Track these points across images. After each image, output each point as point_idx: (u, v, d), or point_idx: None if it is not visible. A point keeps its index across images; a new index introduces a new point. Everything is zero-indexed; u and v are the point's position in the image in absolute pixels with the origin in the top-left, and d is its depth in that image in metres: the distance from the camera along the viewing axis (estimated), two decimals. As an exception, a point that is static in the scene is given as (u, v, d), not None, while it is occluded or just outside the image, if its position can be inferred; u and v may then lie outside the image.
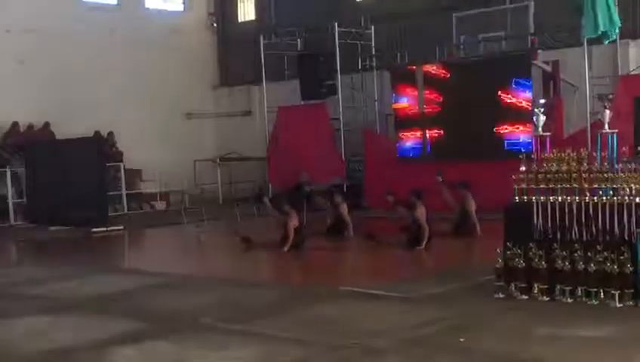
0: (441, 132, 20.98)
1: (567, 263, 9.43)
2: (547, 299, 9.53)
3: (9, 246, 19.38)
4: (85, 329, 9.47)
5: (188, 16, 29.99)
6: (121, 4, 27.98)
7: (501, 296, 9.82)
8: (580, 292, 9.37)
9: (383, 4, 24.91)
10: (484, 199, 15.84)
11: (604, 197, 9.47)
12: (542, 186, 9.94)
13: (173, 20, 29.09)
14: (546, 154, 10.21)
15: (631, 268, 9.09)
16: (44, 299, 11.48)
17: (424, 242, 14.45)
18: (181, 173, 25.91)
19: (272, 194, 20.72)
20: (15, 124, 24.63)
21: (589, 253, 9.33)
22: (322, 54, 23.59)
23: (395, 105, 22.16)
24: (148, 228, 21.11)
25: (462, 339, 8.13)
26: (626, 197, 9.36)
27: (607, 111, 10.28)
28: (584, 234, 9.50)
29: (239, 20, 30.04)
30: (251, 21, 29.30)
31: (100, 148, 22.58)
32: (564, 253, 9.49)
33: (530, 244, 9.74)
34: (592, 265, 9.26)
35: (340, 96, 23.06)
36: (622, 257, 9.13)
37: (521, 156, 10.32)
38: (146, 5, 28.86)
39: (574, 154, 9.94)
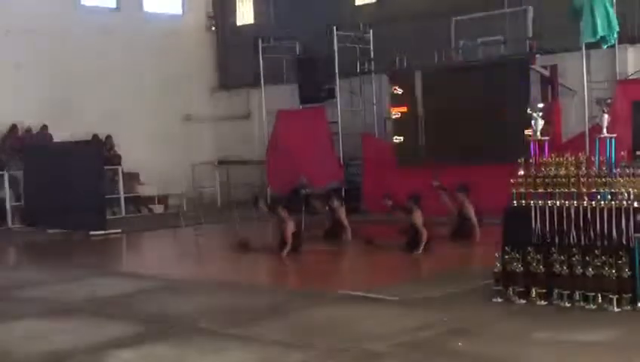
0: (440, 136, 20.98)
1: (565, 267, 9.45)
2: (545, 303, 9.55)
3: (7, 249, 19.37)
4: (84, 332, 9.47)
5: (187, 19, 29.97)
6: (120, 6, 27.96)
7: (499, 300, 9.83)
8: (577, 296, 9.38)
9: (382, 8, 24.92)
10: (483, 203, 15.84)
11: (603, 202, 9.48)
12: (540, 191, 9.95)
13: (172, 23, 29.07)
14: (544, 159, 10.22)
15: (629, 273, 9.11)
16: (42, 301, 11.48)
17: (422, 246, 14.46)
18: (179, 177, 25.91)
19: (270, 198, 20.74)
20: (13, 127, 24.62)
21: (587, 258, 9.35)
22: (321, 58, 23.58)
23: (393, 109, 22.18)
24: (146, 231, 21.10)
25: (460, 344, 8.14)
26: (624, 202, 9.37)
27: (606, 116, 10.31)
28: (582, 238, 9.51)
29: (238, 24, 30.03)
30: (250, 24, 29.29)
31: (98, 152, 22.55)
32: (562, 257, 9.50)
33: (529, 248, 9.76)
34: (590, 269, 9.27)
35: (338, 99, 23.07)
36: (620, 261, 9.15)
37: (519, 160, 10.34)
38: (145, 8, 28.85)
39: (573, 158, 9.95)
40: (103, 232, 19.69)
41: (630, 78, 19.15)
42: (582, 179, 9.70)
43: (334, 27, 22.77)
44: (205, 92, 29.93)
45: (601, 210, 9.42)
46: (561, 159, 9.98)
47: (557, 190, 9.82)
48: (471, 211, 15.96)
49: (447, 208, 16.60)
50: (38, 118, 24.56)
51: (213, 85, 30.26)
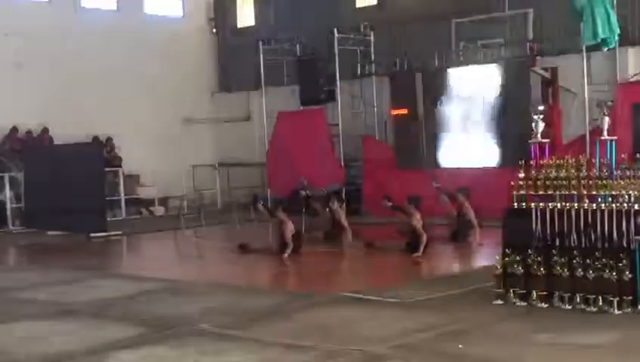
0: (440, 138, 21.01)
1: (565, 270, 9.44)
2: (545, 305, 9.55)
3: (7, 250, 19.37)
4: (84, 334, 9.47)
5: (187, 21, 29.98)
6: (121, 9, 27.97)
7: (499, 302, 9.83)
8: (578, 299, 9.38)
9: (382, 10, 24.93)
10: (483, 205, 15.85)
11: (603, 204, 9.47)
12: (541, 193, 9.95)
13: (173, 26, 29.08)
14: (544, 161, 10.22)
15: (629, 275, 9.10)
16: (43, 303, 11.49)
17: (422, 248, 14.45)
18: (180, 178, 25.89)
19: (270, 200, 20.72)
20: (14, 129, 24.64)
21: (587, 260, 9.34)
22: (321, 60, 23.59)
23: (393, 112, 22.19)
24: (146, 233, 21.09)
25: (460, 346, 8.14)
26: (625, 204, 9.36)
27: (606, 118, 10.30)
28: (583, 240, 9.51)
29: (238, 26, 30.04)
30: (250, 27, 29.29)
31: (99, 153, 22.55)
32: (562, 259, 9.50)
33: (529, 251, 9.75)
34: (590, 271, 9.27)
35: (339, 101, 23.06)
36: (620, 264, 9.14)
37: (520, 162, 10.34)
38: (145, 10, 28.86)
39: (573, 160, 9.95)
40: (103, 234, 19.69)
41: (631, 80, 19.15)
42: (582, 181, 9.70)
43: (335, 29, 22.77)
44: (206, 94, 29.93)
45: (602, 212, 9.42)
46: (562, 161, 9.99)
47: (557, 192, 9.82)
48: (471, 212, 15.96)
49: (446, 209, 16.61)
50: (38, 119, 24.57)
51: (214, 87, 30.27)
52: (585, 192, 9.65)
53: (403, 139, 21.94)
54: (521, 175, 10.12)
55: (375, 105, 23.46)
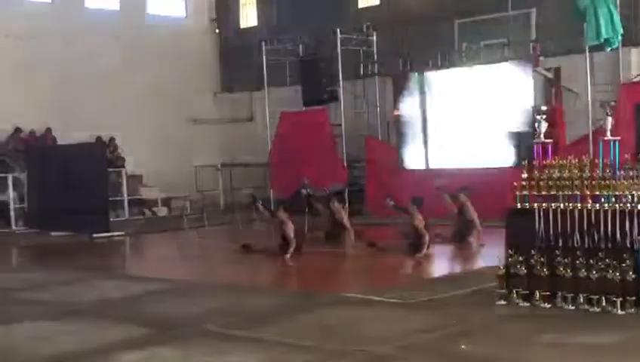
0: (443, 138, 21.00)
1: (568, 270, 9.43)
2: (549, 306, 9.54)
3: (11, 251, 19.39)
4: (88, 335, 9.47)
5: (190, 22, 30.02)
6: (124, 10, 28.01)
7: (502, 302, 9.82)
8: (581, 299, 9.37)
9: (385, 10, 24.94)
10: (487, 206, 15.84)
11: (606, 204, 9.48)
12: (544, 193, 9.95)
13: (176, 26, 29.12)
14: (548, 161, 10.22)
15: (633, 276, 9.09)
16: (46, 304, 11.50)
17: (424, 248, 14.45)
18: (182, 179, 25.92)
19: (273, 200, 20.74)
20: (17, 130, 24.68)
21: (590, 260, 9.34)
22: (324, 60, 23.60)
23: (396, 112, 22.20)
24: (149, 233, 21.11)
25: (463, 346, 8.14)
26: (628, 205, 9.37)
27: (609, 118, 10.31)
28: (586, 241, 9.51)
29: (241, 26, 30.08)
30: (253, 27, 29.33)
31: (102, 154, 22.58)
32: (565, 260, 9.49)
33: (532, 251, 9.75)
34: (593, 272, 9.26)
35: (342, 102, 23.07)
36: (624, 264, 9.14)
37: (523, 163, 10.33)
38: (149, 11, 28.90)
39: (576, 161, 9.95)
40: (106, 234, 19.72)
41: (634, 80, 19.14)
42: (585, 181, 9.70)
43: (338, 29, 22.78)
44: (208, 94, 29.97)
45: (605, 212, 9.42)
46: (565, 161, 9.98)
47: (560, 192, 9.81)
48: (473, 213, 15.95)
49: (449, 209, 16.61)
50: (42, 120, 24.61)
51: (217, 88, 30.30)
52: (588, 193, 9.65)
53: (404, 139, 21.97)
54: (525, 175, 10.12)
55: (378, 105, 23.47)
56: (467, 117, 20.44)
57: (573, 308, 9.38)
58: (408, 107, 21.80)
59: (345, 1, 26.23)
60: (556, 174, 9.90)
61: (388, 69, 23.04)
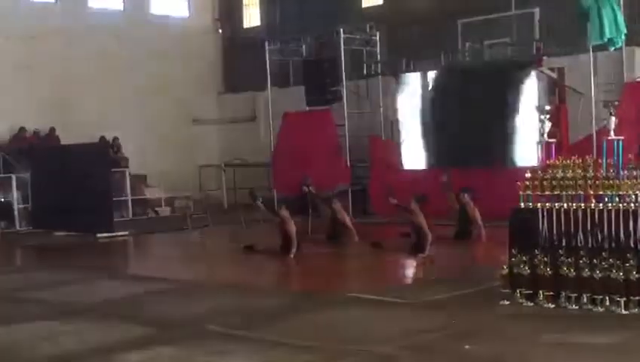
0: (447, 138, 20.98)
1: (572, 270, 9.42)
2: (552, 305, 9.52)
3: (14, 251, 19.41)
4: (91, 335, 9.47)
5: (193, 22, 30.04)
6: (127, 9, 28.04)
7: (506, 302, 9.81)
8: (585, 299, 9.36)
9: (388, 10, 24.93)
10: (488, 205, 15.84)
11: (610, 204, 9.46)
12: (547, 193, 9.94)
13: (179, 26, 29.15)
14: (551, 161, 10.21)
15: (636, 275, 9.08)
16: (49, 304, 11.50)
17: (428, 248, 14.44)
18: (186, 179, 25.96)
19: (276, 200, 20.73)
20: (21, 130, 24.71)
21: (594, 260, 9.33)
22: (327, 60, 23.59)
23: (400, 112, 22.19)
24: (153, 233, 21.12)
25: (467, 346, 8.13)
26: (632, 204, 9.36)
27: (613, 118, 10.29)
28: (589, 240, 9.50)
29: (244, 26, 30.09)
30: (257, 27, 29.34)
31: (105, 154, 22.60)
32: (569, 259, 9.48)
33: (536, 251, 9.74)
34: (597, 272, 9.25)
35: (345, 102, 23.06)
36: (627, 264, 9.12)
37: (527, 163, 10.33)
38: (152, 11, 28.92)
39: (580, 160, 9.94)
40: (109, 234, 19.72)
41: (638, 80, 19.11)
42: (589, 181, 9.69)
43: (341, 29, 22.78)
44: (212, 94, 29.98)
45: (609, 212, 9.41)
46: (569, 161, 9.97)
47: (564, 192, 9.80)
48: (476, 212, 15.95)
49: (452, 209, 16.60)
50: (45, 121, 24.63)
51: (220, 88, 30.32)
52: (591, 192, 9.64)
53: (410, 139, 21.95)
54: (528, 175, 10.11)
55: (381, 105, 23.46)
56: (470, 116, 20.40)
57: (576, 307, 9.37)
58: (412, 106, 21.78)
59: (348, 1, 26.24)
60: (560, 174, 9.88)
61: (391, 69, 23.03)
